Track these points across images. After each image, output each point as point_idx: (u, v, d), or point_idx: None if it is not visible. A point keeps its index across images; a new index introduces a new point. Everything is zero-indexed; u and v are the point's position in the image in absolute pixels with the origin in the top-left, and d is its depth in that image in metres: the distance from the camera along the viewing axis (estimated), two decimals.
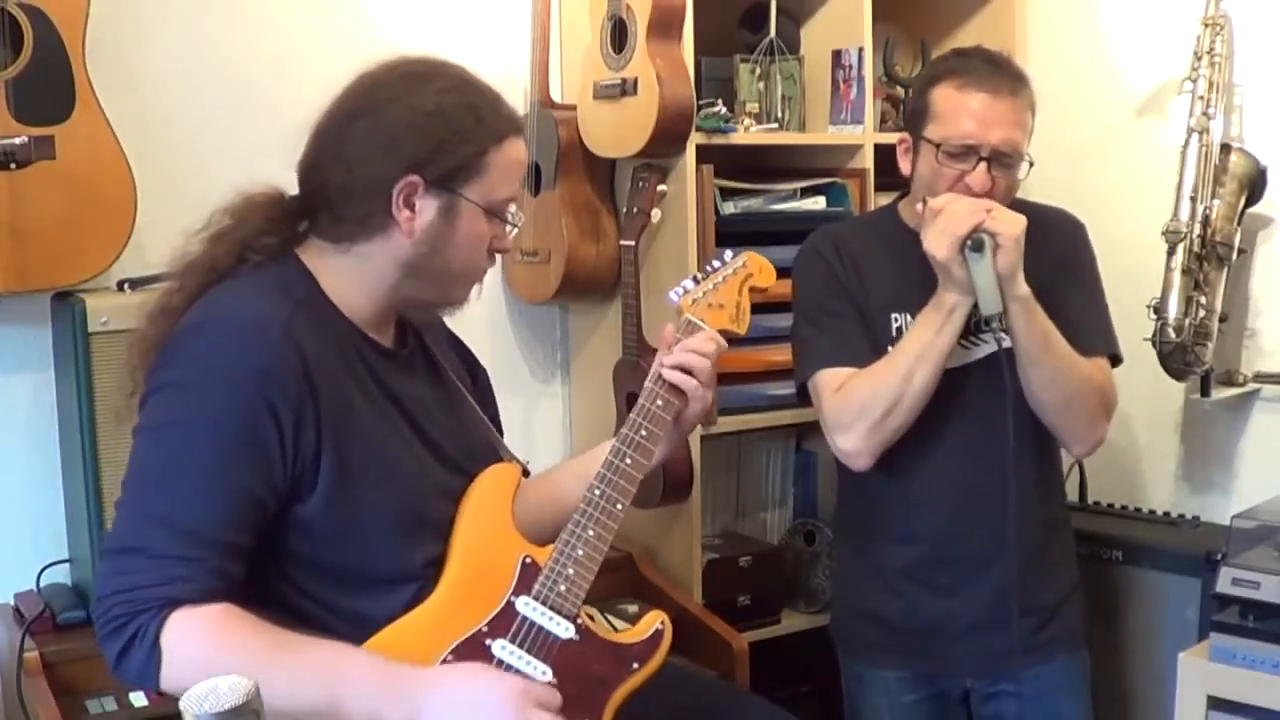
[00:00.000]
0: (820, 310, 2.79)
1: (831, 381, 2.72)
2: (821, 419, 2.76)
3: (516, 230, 2.20)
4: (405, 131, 2.05)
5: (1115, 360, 2.81)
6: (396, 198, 2.05)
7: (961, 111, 2.60)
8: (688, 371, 2.27)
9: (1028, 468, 2.71)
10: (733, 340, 2.40)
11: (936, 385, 2.63)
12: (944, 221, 2.53)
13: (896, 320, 2.74)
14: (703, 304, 2.37)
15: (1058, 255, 2.77)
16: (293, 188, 2.16)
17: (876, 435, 2.66)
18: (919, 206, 2.65)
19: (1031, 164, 2.67)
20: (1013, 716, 2.82)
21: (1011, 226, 2.52)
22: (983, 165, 2.59)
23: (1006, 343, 2.60)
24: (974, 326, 2.68)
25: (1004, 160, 2.61)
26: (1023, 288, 2.55)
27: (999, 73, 2.64)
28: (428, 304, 2.22)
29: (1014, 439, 2.58)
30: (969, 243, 2.51)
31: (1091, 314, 2.79)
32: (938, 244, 2.53)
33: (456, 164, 2.06)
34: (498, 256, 2.20)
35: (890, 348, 2.71)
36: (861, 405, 2.65)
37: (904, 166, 2.75)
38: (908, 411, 2.63)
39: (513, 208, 2.16)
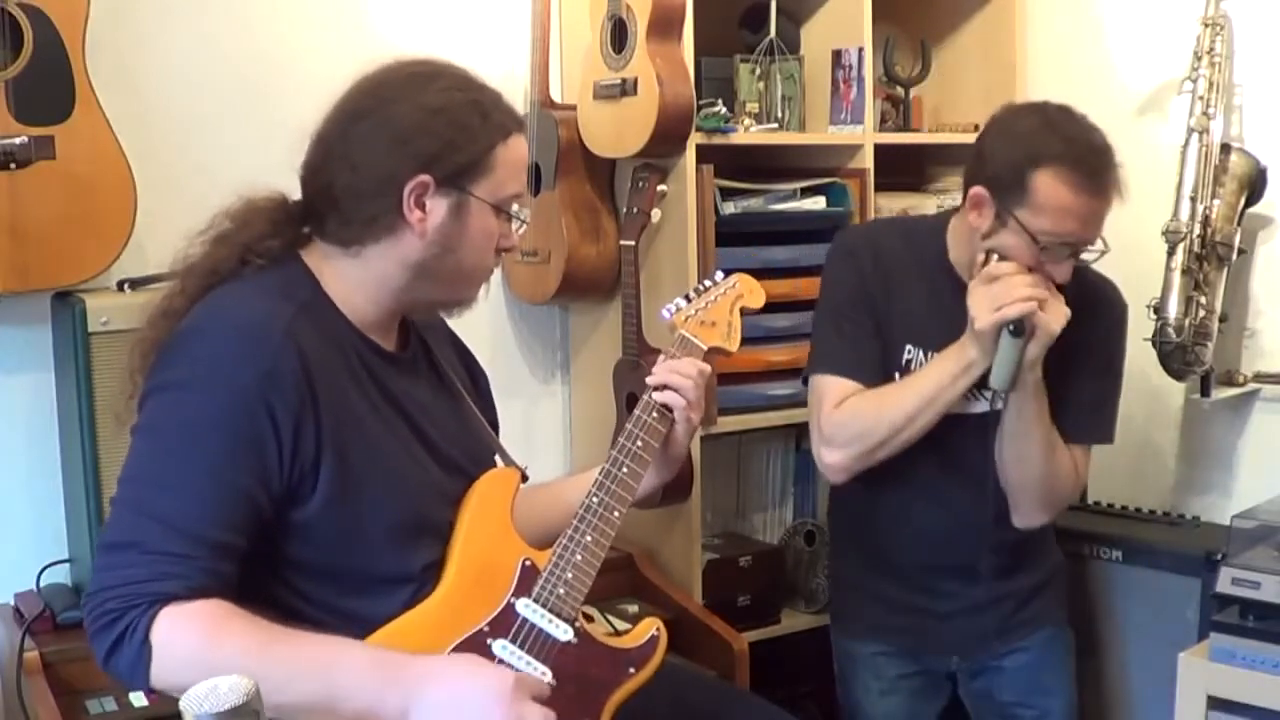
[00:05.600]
0: (842, 315, 2.79)
1: (834, 392, 2.73)
2: (813, 424, 2.78)
3: (523, 228, 2.20)
4: (413, 130, 2.04)
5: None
6: (408, 198, 2.04)
7: (1068, 213, 2.51)
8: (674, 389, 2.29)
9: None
10: (721, 357, 2.46)
11: (932, 427, 2.65)
12: (999, 294, 2.51)
13: (909, 353, 2.75)
14: (695, 321, 2.41)
15: (1091, 334, 2.73)
16: (294, 189, 2.15)
17: (863, 460, 2.70)
18: (980, 258, 2.60)
19: (1106, 250, 2.62)
20: (1000, 689, 2.88)
21: (1055, 324, 2.53)
22: (1071, 259, 2.57)
23: (999, 405, 2.64)
24: (981, 381, 2.67)
25: (1086, 248, 2.59)
26: (1036, 374, 2.58)
27: (1105, 168, 2.55)
28: (437, 304, 2.22)
29: (996, 494, 2.67)
30: (1012, 326, 2.51)
31: (1098, 405, 2.80)
32: (983, 314, 2.52)
33: (465, 162, 2.06)
34: (502, 255, 2.20)
35: (897, 374, 2.74)
36: (860, 431, 2.68)
37: (974, 221, 2.61)
38: (900, 446, 2.67)
39: (516, 205, 2.16)
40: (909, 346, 2.75)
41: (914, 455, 2.69)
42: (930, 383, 2.64)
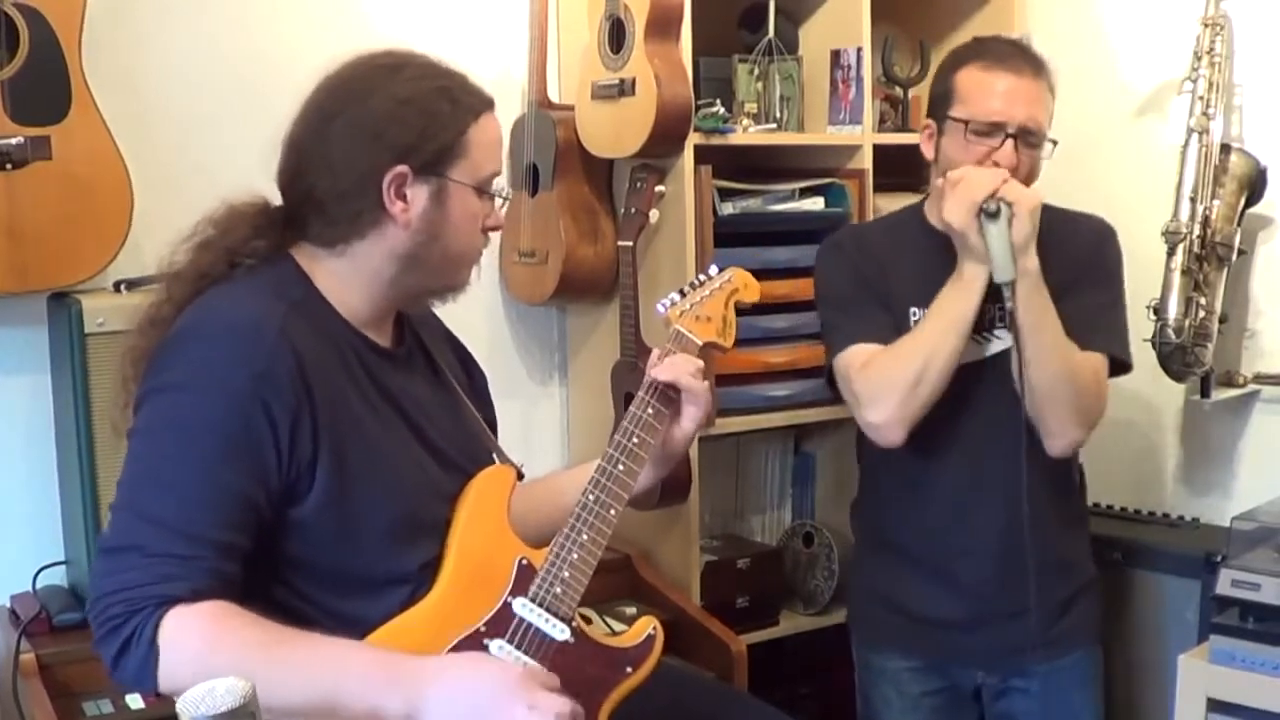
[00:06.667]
0: (843, 298, 2.81)
1: (857, 358, 2.72)
2: (850, 396, 2.75)
3: (507, 205, 2.21)
4: (385, 123, 2.04)
5: (1124, 367, 2.80)
6: (387, 190, 2.04)
7: (988, 90, 2.65)
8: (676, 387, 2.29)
9: (1041, 464, 2.69)
10: (717, 353, 2.44)
11: (959, 355, 2.63)
12: (962, 190, 2.57)
13: (916, 315, 2.74)
14: (690, 316, 2.39)
15: (1077, 257, 2.77)
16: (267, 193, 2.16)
17: (907, 406, 2.65)
18: (939, 181, 2.67)
19: (1055, 143, 2.70)
20: (1024, 712, 2.83)
21: (1028, 196, 2.56)
22: (1010, 142, 2.62)
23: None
24: (989, 323, 2.70)
25: (1029, 139, 2.65)
26: (1033, 261, 2.57)
27: (1021, 54, 2.71)
28: (430, 292, 2.22)
29: (1027, 434, 2.60)
30: (985, 209, 2.54)
31: (1100, 313, 2.77)
32: (955, 211, 2.56)
33: (440, 148, 2.06)
34: (492, 236, 2.21)
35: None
36: (889, 377, 2.66)
37: (927, 152, 2.77)
38: (935, 381, 2.63)
39: (498, 182, 2.17)
40: (914, 309, 2.75)
41: (945, 410, 2.67)
42: (939, 311, 2.64)
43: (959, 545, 2.78)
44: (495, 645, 2.06)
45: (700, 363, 2.33)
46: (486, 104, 2.15)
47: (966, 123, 2.65)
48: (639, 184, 3.25)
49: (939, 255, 2.66)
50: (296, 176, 2.10)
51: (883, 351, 2.70)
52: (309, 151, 2.08)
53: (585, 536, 2.14)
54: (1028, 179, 2.65)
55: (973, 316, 2.63)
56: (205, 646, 1.84)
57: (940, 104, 2.74)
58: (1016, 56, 2.69)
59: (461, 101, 2.10)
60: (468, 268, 2.20)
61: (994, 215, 2.54)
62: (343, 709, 1.86)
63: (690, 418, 2.30)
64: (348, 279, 2.11)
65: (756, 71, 3.59)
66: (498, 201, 2.18)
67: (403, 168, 2.04)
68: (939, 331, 2.63)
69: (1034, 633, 2.68)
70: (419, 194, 2.06)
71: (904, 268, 2.79)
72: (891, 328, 2.74)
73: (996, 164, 2.62)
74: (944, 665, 2.86)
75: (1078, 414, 2.69)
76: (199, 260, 2.09)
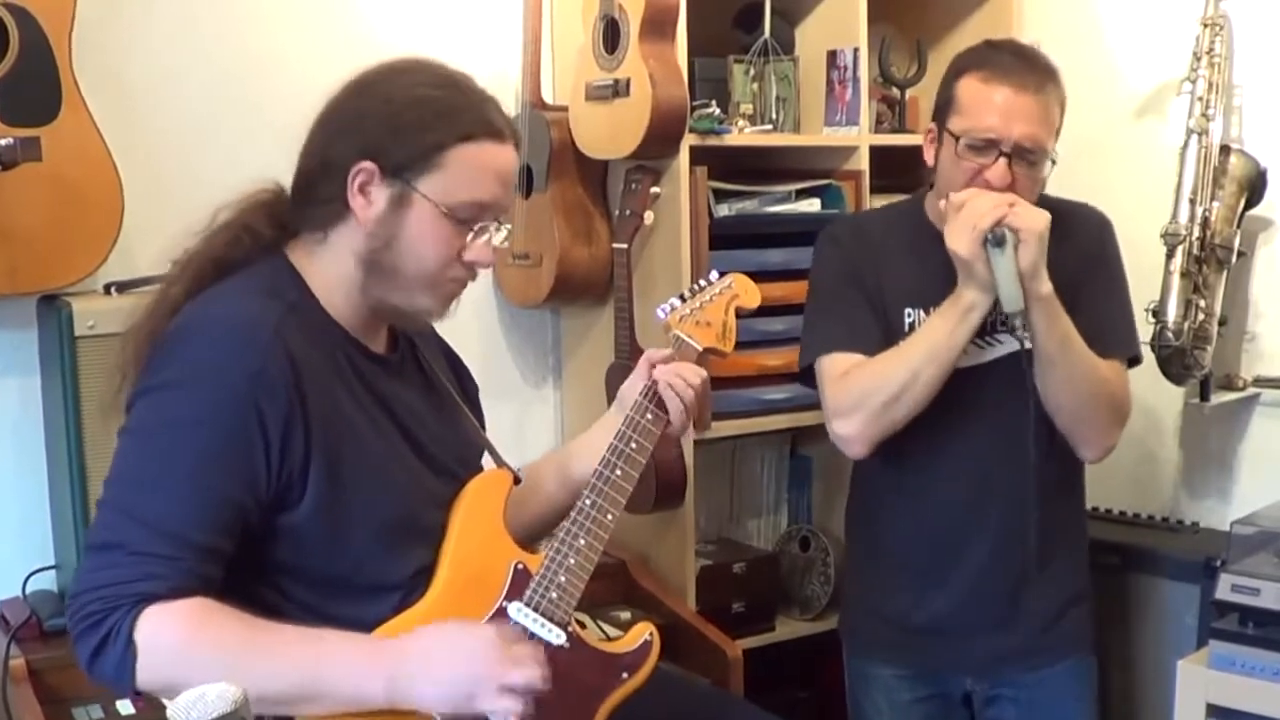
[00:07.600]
0: (832, 295, 2.78)
1: (836, 367, 2.70)
2: (823, 404, 2.74)
3: (488, 240, 2.10)
4: (367, 118, 2.04)
5: (1138, 360, 2.80)
6: (351, 183, 2.03)
7: (984, 105, 2.56)
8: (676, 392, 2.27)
9: (1048, 471, 2.68)
10: (716, 358, 2.44)
11: (943, 382, 2.60)
12: (966, 216, 2.51)
13: (910, 316, 2.72)
14: (690, 321, 2.39)
15: (1082, 252, 2.73)
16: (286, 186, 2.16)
17: (874, 425, 2.64)
18: (941, 203, 2.62)
19: (1054, 162, 2.62)
20: None
21: (1034, 222, 2.50)
22: (1002, 161, 2.54)
23: (1029, 343, 2.57)
24: (992, 325, 2.66)
25: (1026, 157, 2.56)
26: (1045, 286, 2.53)
27: (1026, 66, 2.59)
28: (398, 309, 2.13)
29: (1035, 442, 2.58)
30: (990, 237, 2.48)
31: (1114, 316, 2.75)
32: (959, 239, 2.51)
33: (412, 153, 2.02)
34: (480, 272, 2.14)
35: (901, 341, 2.69)
36: (863, 393, 2.63)
37: (929, 157, 2.70)
38: (909, 406, 2.61)
39: (498, 220, 2.10)
40: (908, 310, 2.72)
41: (947, 413, 2.64)
42: (930, 336, 2.61)
43: (955, 551, 2.75)
44: None
45: (704, 372, 2.31)
46: (489, 131, 2.06)
47: (959, 137, 2.58)
48: (634, 185, 3.24)
49: (939, 254, 2.60)
50: (299, 165, 2.12)
51: (863, 364, 2.67)
52: (308, 140, 2.10)
53: (582, 541, 2.13)
54: (1027, 196, 2.57)
55: (961, 347, 2.59)
56: (184, 642, 1.85)
57: (940, 112, 2.66)
58: (1020, 69, 2.58)
59: (456, 117, 2.04)
60: (434, 296, 2.11)
61: (999, 244, 2.48)
62: (325, 695, 1.88)
63: (676, 421, 2.29)
64: (330, 274, 2.09)
65: (752, 72, 3.57)
66: (486, 236, 2.09)
67: (370, 164, 2.02)
68: (923, 357, 2.59)
69: (1023, 640, 2.68)
70: (380, 194, 2.03)
71: (901, 265, 2.75)
72: (878, 332, 2.71)
73: (988, 181, 2.55)
74: (933, 672, 2.84)
75: (1111, 422, 2.70)
76: (209, 243, 2.10)
